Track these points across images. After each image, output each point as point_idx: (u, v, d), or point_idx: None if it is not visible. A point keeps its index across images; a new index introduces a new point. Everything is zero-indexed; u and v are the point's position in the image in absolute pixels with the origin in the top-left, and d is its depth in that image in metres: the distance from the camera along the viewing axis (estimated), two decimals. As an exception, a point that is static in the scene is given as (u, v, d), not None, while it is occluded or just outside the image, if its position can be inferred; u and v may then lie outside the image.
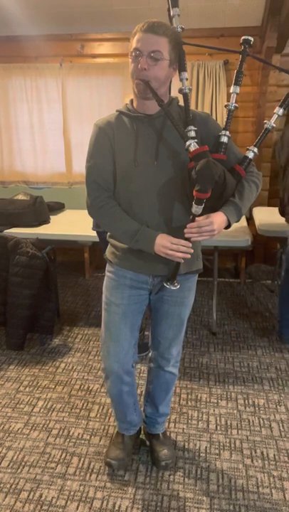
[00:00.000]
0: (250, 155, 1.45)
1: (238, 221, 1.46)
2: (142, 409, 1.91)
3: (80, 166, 4.25)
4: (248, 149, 1.46)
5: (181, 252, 1.39)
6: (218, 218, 1.37)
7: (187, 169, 1.36)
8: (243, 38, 1.42)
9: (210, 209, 1.37)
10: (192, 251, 1.41)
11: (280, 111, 1.44)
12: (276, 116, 1.45)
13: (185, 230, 1.37)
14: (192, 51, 3.67)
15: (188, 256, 1.41)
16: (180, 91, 1.43)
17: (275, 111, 1.45)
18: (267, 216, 2.88)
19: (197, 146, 1.34)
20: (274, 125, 1.45)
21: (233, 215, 1.41)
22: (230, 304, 3.48)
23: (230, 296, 3.65)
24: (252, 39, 1.42)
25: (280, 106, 1.43)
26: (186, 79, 1.43)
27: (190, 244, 1.39)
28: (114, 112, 1.50)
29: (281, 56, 3.65)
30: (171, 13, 1.42)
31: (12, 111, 4.22)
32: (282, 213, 2.69)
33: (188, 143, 1.34)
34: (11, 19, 3.62)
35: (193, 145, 1.34)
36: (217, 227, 1.35)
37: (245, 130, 3.94)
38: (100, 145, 1.47)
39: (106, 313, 1.64)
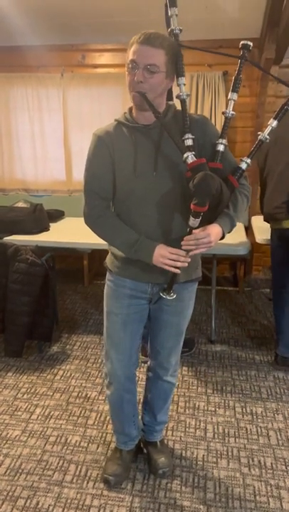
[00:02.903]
0: (244, 166, 1.45)
1: (230, 232, 1.47)
2: (139, 417, 1.90)
3: (80, 174, 4.27)
4: (241, 160, 1.46)
5: (179, 261, 1.40)
6: (215, 230, 1.38)
7: (186, 179, 1.37)
8: (242, 42, 1.39)
9: (206, 221, 1.38)
10: (189, 260, 1.42)
11: (274, 123, 1.43)
12: (270, 128, 1.44)
13: (182, 243, 1.38)
14: (191, 62, 3.72)
15: (186, 265, 1.42)
16: (178, 97, 1.41)
17: (269, 123, 1.44)
18: (265, 225, 2.89)
19: (194, 159, 1.34)
20: (268, 137, 1.45)
21: (228, 227, 1.43)
22: (229, 313, 3.49)
23: (228, 305, 3.65)
24: (251, 44, 1.40)
25: (275, 118, 1.43)
26: (184, 84, 1.40)
27: (188, 255, 1.40)
28: (113, 122, 1.50)
29: (279, 68, 3.70)
30: (169, 13, 1.39)
31: (13, 119, 4.26)
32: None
33: (185, 155, 1.34)
34: (13, 29, 3.66)
35: (190, 157, 1.33)
36: (214, 239, 1.36)
37: (244, 140, 3.97)
38: (98, 154, 1.48)
39: (107, 321, 1.65)
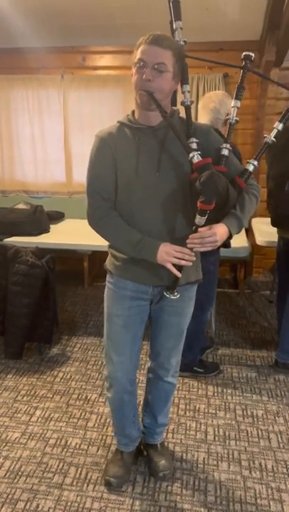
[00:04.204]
0: (251, 168, 1.47)
1: (238, 233, 1.47)
2: (140, 419, 1.90)
3: (80, 176, 4.28)
4: (248, 162, 1.48)
5: (184, 259, 1.40)
6: (221, 229, 1.38)
7: (189, 180, 1.37)
8: (244, 53, 1.45)
9: (212, 220, 1.38)
10: (194, 259, 1.42)
11: (280, 126, 1.45)
12: (276, 130, 1.46)
13: (188, 241, 1.38)
14: (192, 64, 3.68)
15: (191, 264, 1.42)
16: (182, 103, 1.45)
17: (274, 125, 1.46)
18: (265, 227, 2.89)
19: (200, 158, 1.35)
20: (274, 139, 1.47)
21: (235, 227, 1.43)
22: (229, 315, 3.48)
23: (228, 307, 3.65)
24: (253, 55, 1.45)
25: (280, 121, 1.45)
26: (188, 91, 1.45)
27: (193, 253, 1.40)
28: (116, 123, 1.51)
29: (280, 70, 3.71)
30: (174, 27, 1.44)
31: (14, 121, 4.27)
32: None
33: (191, 154, 1.35)
34: (14, 31, 3.67)
35: (196, 157, 1.35)
36: (219, 238, 1.37)
37: (244, 142, 3.98)
38: (101, 156, 1.48)
39: (107, 323, 1.64)
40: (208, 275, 2.32)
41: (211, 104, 2.24)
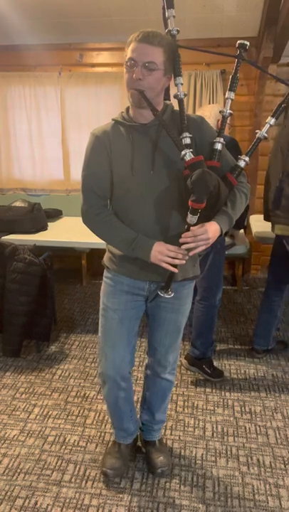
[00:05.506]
0: (242, 164, 1.46)
1: (228, 230, 1.47)
2: (138, 416, 1.90)
3: (78, 173, 4.27)
4: (239, 158, 1.47)
5: (178, 259, 1.40)
6: (212, 227, 1.38)
7: (182, 177, 1.37)
8: (238, 42, 1.41)
9: (204, 218, 1.38)
10: (188, 257, 1.42)
11: (272, 120, 1.44)
12: (268, 125, 1.45)
13: (180, 240, 1.38)
14: (189, 61, 3.73)
15: (184, 262, 1.42)
16: (175, 96, 1.43)
17: (267, 120, 1.45)
18: (263, 224, 2.89)
19: (192, 156, 1.34)
20: (266, 135, 1.46)
21: (226, 224, 1.43)
22: (228, 312, 3.49)
23: (227, 304, 3.65)
24: (247, 43, 1.41)
25: (273, 116, 1.44)
26: (182, 84, 1.43)
27: (186, 252, 1.40)
28: (110, 121, 1.51)
29: (277, 66, 3.71)
30: (167, 15, 1.41)
31: (11, 119, 4.25)
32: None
33: (183, 152, 1.35)
34: (11, 28, 3.66)
35: (188, 155, 1.34)
36: (211, 236, 1.37)
37: (242, 139, 3.97)
38: (96, 154, 1.48)
39: (103, 318, 1.64)
40: (215, 254, 2.30)
41: (206, 113, 2.33)
